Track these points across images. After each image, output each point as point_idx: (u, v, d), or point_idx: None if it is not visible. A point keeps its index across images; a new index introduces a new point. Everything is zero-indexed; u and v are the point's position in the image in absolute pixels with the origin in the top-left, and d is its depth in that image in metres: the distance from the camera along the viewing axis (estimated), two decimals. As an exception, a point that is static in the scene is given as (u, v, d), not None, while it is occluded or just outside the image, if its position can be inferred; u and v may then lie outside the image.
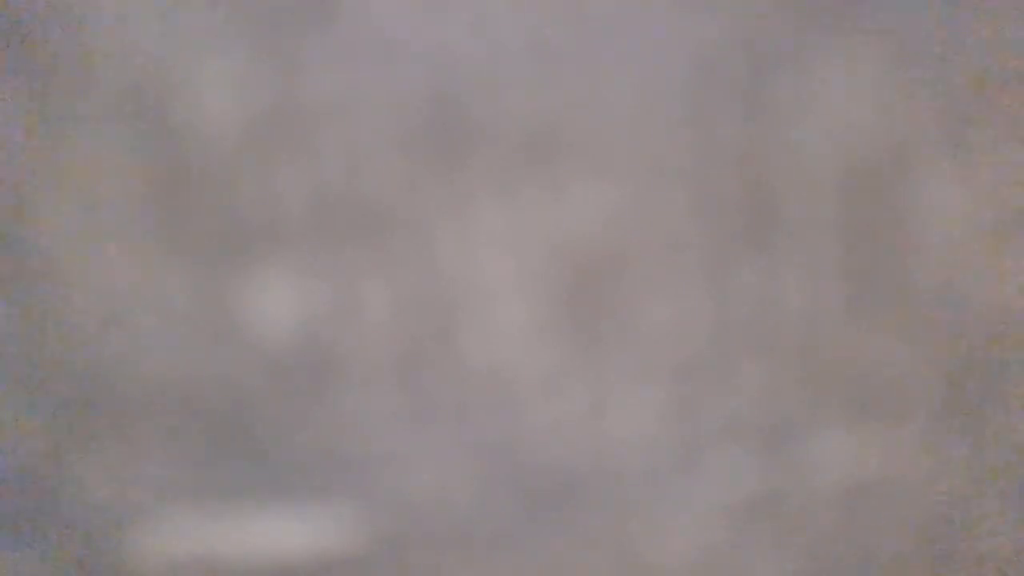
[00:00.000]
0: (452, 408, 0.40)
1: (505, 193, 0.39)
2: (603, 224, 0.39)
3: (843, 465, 0.41)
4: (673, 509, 0.41)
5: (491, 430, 0.40)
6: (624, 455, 0.41)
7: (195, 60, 0.38)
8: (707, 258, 0.40)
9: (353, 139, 0.38)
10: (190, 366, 0.39)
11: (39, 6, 0.37)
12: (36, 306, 0.39)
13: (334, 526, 0.40)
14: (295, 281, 0.39)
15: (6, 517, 0.40)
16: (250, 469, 0.40)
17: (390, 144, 0.39)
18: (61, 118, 0.38)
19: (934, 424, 0.41)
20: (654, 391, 0.40)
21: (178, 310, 0.39)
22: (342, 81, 0.38)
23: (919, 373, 0.41)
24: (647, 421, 0.40)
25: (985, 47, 0.39)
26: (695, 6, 0.38)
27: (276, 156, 0.38)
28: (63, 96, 0.38)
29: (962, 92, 0.39)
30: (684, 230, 0.40)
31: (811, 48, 0.39)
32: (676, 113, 0.39)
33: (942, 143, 0.40)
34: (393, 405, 0.40)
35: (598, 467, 0.41)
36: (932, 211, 0.40)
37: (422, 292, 0.39)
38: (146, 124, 0.38)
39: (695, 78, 0.39)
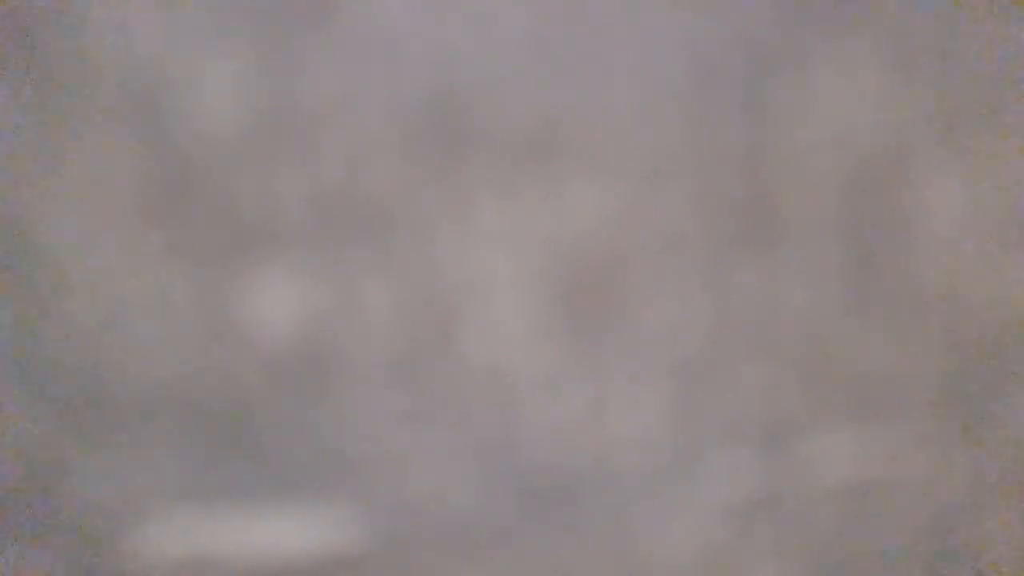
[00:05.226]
0: (452, 408, 0.40)
1: (505, 193, 0.39)
2: (603, 224, 0.39)
3: (843, 465, 0.41)
4: (673, 509, 0.41)
5: (491, 430, 0.40)
6: (624, 455, 0.41)
7: (195, 60, 0.38)
8: (707, 258, 0.40)
9: (353, 139, 0.38)
10: (190, 366, 0.39)
11: (39, 6, 0.37)
12: (36, 306, 0.39)
13: (334, 526, 0.40)
14: (295, 281, 0.39)
15: (6, 517, 0.40)
16: (250, 469, 0.40)
17: (390, 144, 0.39)
18: (61, 118, 0.38)
19: (934, 424, 0.41)
20: (654, 391, 0.40)
21: (178, 310, 0.39)
22: (342, 81, 0.38)
23: (920, 373, 0.41)
24: (647, 421, 0.40)
25: (985, 47, 0.39)
26: (695, 6, 0.38)
27: (276, 156, 0.38)
28: (63, 96, 0.38)
29: (962, 92, 0.39)
30: (684, 230, 0.40)
31: (811, 49, 0.39)
32: (676, 113, 0.39)
33: (942, 143, 0.40)
34: (393, 405, 0.40)
35: (598, 467, 0.41)
36: (932, 211, 0.40)
37: (422, 292, 0.39)
38: (146, 124, 0.38)
39: (695, 78, 0.39)
